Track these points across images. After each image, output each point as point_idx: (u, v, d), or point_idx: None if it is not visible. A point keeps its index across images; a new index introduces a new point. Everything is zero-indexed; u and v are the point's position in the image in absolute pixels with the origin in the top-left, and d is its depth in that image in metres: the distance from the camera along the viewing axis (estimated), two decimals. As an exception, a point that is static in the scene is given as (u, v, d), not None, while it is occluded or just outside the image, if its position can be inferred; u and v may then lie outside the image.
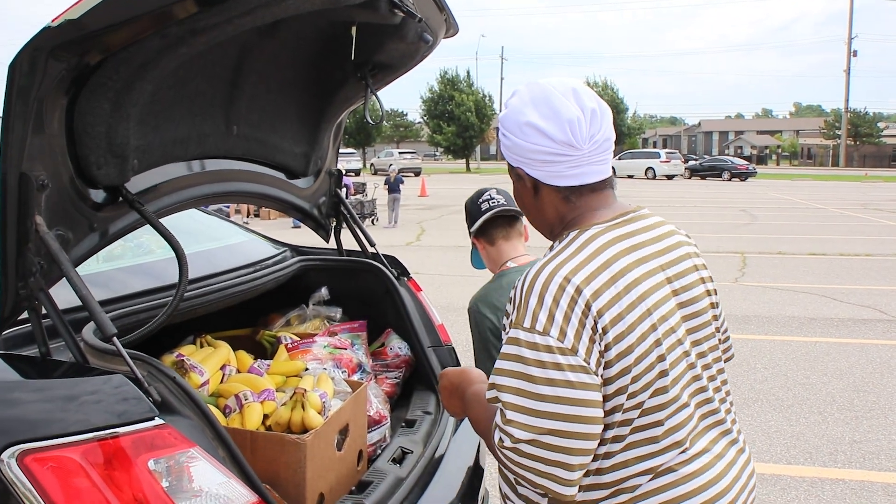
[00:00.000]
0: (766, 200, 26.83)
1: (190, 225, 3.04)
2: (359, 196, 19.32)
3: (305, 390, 2.01)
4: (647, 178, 42.66)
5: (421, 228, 17.28)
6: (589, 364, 1.31)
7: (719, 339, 1.57)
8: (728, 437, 1.52)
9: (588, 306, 1.33)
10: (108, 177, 1.72)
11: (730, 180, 42.80)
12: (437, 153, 67.09)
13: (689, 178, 45.33)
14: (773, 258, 12.47)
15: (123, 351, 1.47)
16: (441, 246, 14.03)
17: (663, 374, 1.38)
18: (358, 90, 2.64)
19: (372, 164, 49.19)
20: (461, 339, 6.99)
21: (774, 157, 77.77)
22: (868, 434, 4.77)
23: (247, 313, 2.95)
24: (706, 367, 1.50)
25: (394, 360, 2.82)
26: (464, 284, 9.68)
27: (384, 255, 3.03)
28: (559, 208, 1.49)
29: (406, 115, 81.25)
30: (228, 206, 16.83)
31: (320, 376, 2.26)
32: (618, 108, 57.27)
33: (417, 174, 42.87)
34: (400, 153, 49.91)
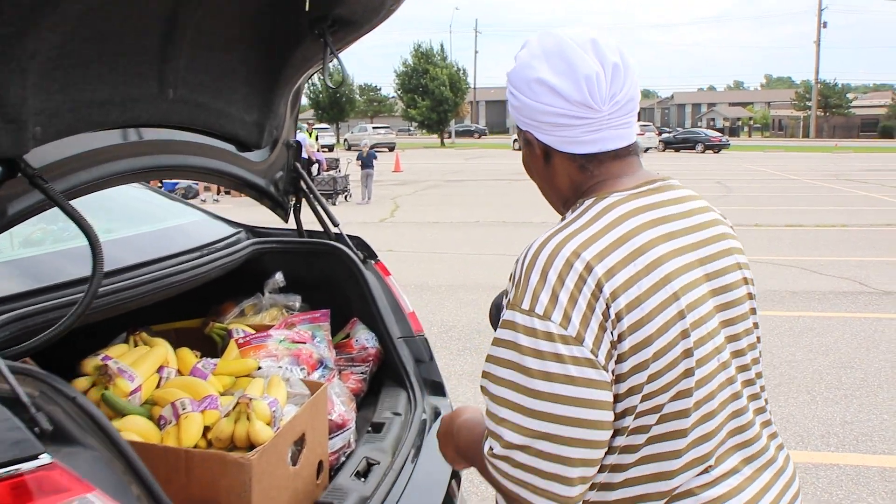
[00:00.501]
0: (740, 172, 26.79)
1: (129, 204, 2.72)
2: (332, 172, 18.91)
3: (251, 399, 1.72)
4: None
5: (395, 204, 16.96)
6: (597, 357, 1.09)
7: (757, 337, 1.32)
8: (764, 457, 1.27)
9: (599, 287, 1.10)
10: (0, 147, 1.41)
11: (703, 152, 42.84)
12: (412, 128, 66.44)
13: (664, 150, 45.31)
14: (751, 230, 12.32)
15: (2, 364, 1.17)
16: (415, 222, 13.73)
17: (689, 373, 1.15)
18: (317, 50, 2.33)
19: (345, 140, 48.55)
20: (436, 321, 6.76)
21: (746, 128, 78.26)
22: (859, 414, 4.59)
23: (198, 302, 2.65)
24: (743, 368, 1.26)
25: (360, 354, 2.54)
26: (438, 262, 9.43)
27: (349, 236, 2.73)
28: (574, 178, 1.26)
29: (380, 89, 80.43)
30: (198, 183, 16.34)
31: (271, 379, 1.97)
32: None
33: (391, 149, 42.34)
34: (374, 128, 49.26)
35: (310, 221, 2.83)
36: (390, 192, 19.86)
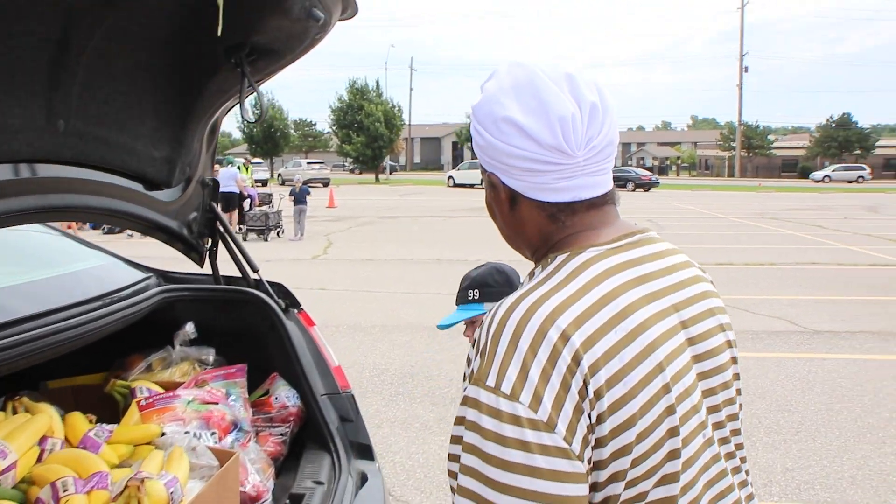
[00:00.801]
0: (669, 211, 27.38)
1: (20, 246, 2.45)
2: (264, 208, 18.52)
3: (143, 480, 1.48)
4: (483, 188, 42.57)
5: (328, 241, 16.65)
6: (571, 445, 0.92)
7: (740, 405, 1.18)
8: None
9: (577, 360, 0.95)
10: None
11: (634, 191, 43.84)
12: (347, 164, 66.17)
13: (596, 188, 46.07)
14: (683, 269, 12.46)
15: None
16: (349, 259, 13.47)
17: (674, 455, 1.00)
18: (234, 81, 2.12)
19: (279, 175, 48.00)
20: (368, 363, 6.52)
21: (675, 167, 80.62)
22: (799, 460, 4.53)
23: (102, 353, 2.39)
24: (723, 441, 1.12)
25: (280, 413, 2.31)
26: (372, 301, 9.19)
27: (270, 283, 2.51)
28: (543, 228, 1.11)
29: (315, 124, 79.88)
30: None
31: (172, 452, 1.73)
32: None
33: (326, 185, 42.01)
34: (308, 163, 48.84)
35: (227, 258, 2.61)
36: (324, 228, 19.55)
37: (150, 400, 2.03)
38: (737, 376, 1.17)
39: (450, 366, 6.37)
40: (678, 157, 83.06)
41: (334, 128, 55.22)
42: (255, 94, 2.14)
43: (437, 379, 6.03)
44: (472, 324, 2.11)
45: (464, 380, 1.05)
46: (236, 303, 2.46)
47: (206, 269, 2.62)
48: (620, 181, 45.75)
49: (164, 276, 2.65)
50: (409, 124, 68.55)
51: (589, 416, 0.94)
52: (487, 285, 2.08)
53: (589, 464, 0.95)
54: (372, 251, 14.61)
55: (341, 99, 53.59)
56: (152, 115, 2.11)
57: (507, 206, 1.13)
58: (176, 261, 2.91)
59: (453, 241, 16.09)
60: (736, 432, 1.15)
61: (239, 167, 21.52)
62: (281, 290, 2.51)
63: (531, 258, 1.16)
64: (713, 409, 1.10)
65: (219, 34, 1.76)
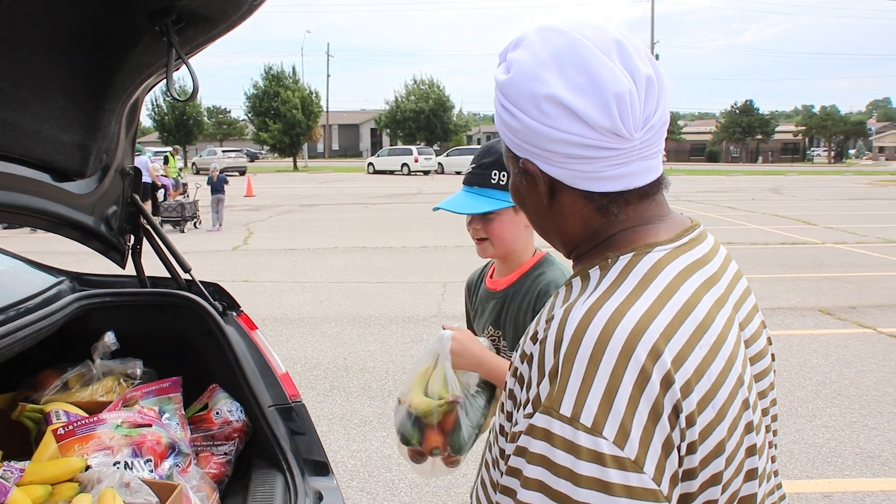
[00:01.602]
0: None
1: None
2: (180, 198, 17.81)
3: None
4: (404, 174, 42.25)
5: (248, 231, 16.11)
6: (660, 486, 0.79)
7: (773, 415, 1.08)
8: None
9: (668, 383, 0.80)
10: None
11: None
12: (263, 151, 64.69)
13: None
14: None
15: None
16: (270, 249, 13.02)
17: (752, 475, 0.90)
18: (159, 53, 1.84)
19: (194, 164, 46.59)
20: (299, 358, 6.24)
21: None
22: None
23: (6, 370, 2.07)
24: (771, 446, 1.02)
25: (222, 429, 2.06)
26: (298, 292, 8.87)
27: (204, 283, 2.23)
28: (590, 222, 0.95)
29: (230, 111, 77.64)
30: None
31: (102, 495, 1.46)
32: (444, 105, 57.79)
33: (243, 173, 40.96)
34: (223, 151, 47.46)
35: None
36: (243, 217, 18.93)
37: (70, 427, 1.74)
38: (774, 376, 1.06)
39: (384, 356, 6.17)
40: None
41: (250, 115, 53.89)
42: (184, 67, 1.86)
43: (373, 371, 5.81)
44: (481, 218, 1.66)
45: (510, 397, 0.90)
46: (166, 307, 2.18)
47: (129, 269, 2.32)
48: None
49: (80, 280, 2.34)
50: (327, 111, 67.52)
51: (678, 448, 0.81)
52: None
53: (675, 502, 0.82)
54: (294, 240, 14.21)
55: (257, 86, 52.37)
56: (60, 93, 1.80)
57: (545, 197, 0.96)
58: (93, 258, 2.58)
59: (377, 229, 15.83)
60: (775, 433, 1.06)
61: (166, 157, 20.66)
62: (217, 291, 2.24)
63: (569, 255, 1.01)
64: (764, 414, 0.99)
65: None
